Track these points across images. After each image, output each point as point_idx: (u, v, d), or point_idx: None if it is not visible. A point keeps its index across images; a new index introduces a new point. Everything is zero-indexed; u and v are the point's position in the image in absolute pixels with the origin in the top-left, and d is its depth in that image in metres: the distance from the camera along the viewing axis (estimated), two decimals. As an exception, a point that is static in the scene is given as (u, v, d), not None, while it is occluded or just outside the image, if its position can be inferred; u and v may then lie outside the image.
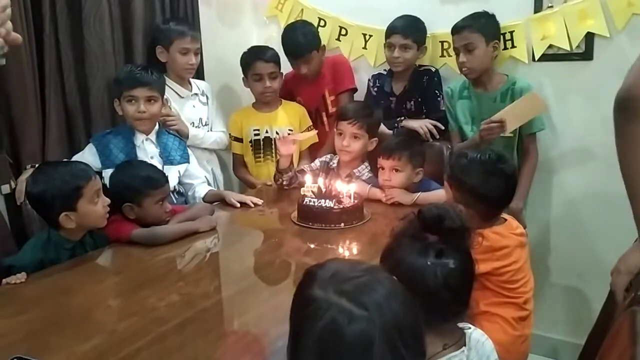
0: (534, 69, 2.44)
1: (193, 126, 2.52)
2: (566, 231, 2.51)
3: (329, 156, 2.55)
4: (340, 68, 2.77)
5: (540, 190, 2.48)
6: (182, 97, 2.50)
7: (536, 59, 2.42)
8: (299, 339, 0.84)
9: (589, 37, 2.29)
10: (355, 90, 2.77)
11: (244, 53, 2.70)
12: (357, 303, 0.82)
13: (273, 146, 2.70)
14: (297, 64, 2.68)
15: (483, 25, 2.30)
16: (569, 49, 2.34)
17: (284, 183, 2.41)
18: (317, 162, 2.55)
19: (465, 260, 1.13)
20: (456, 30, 2.33)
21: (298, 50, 2.64)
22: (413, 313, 0.85)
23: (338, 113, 2.49)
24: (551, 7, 2.37)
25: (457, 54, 2.35)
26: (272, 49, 2.69)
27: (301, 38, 2.64)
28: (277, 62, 2.66)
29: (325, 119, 2.82)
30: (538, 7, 2.40)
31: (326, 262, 0.93)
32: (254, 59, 2.64)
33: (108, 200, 1.79)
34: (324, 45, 2.74)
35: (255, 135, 2.71)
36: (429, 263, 1.09)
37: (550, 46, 2.38)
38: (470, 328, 1.15)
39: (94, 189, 1.73)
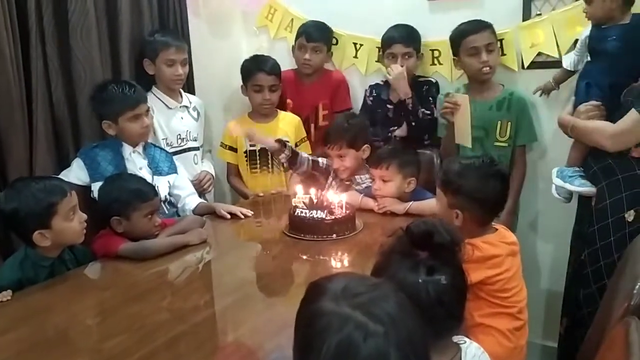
0: (524, 76, 2.45)
1: (179, 138, 2.49)
2: (556, 238, 2.51)
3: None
4: (342, 87, 2.80)
5: (529, 197, 2.50)
6: (171, 108, 2.48)
7: (525, 66, 2.43)
8: (308, 356, 0.81)
9: (578, 45, 2.29)
10: (350, 109, 2.78)
11: (246, 61, 2.69)
12: (372, 317, 0.78)
13: (270, 157, 2.68)
14: (306, 48, 2.69)
15: (494, 30, 2.34)
16: (557, 56, 2.34)
17: (283, 162, 2.47)
18: (325, 160, 2.51)
19: (457, 275, 1.11)
20: (477, 29, 2.32)
21: (318, 32, 2.69)
22: (422, 327, 0.83)
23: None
24: (539, 14, 2.38)
25: (474, 55, 2.32)
26: (274, 59, 2.68)
27: (324, 26, 2.73)
28: (278, 74, 2.66)
29: (313, 130, 2.82)
30: (527, 15, 2.41)
31: (333, 275, 0.90)
32: (255, 69, 2.63)
33: (84, 216, 1.74)
34: (331, 52, 2.79)
35: (251, 145, 2.69)
36: (420, 281, 1.07)
37: (540, 54, 2.39)
38: (465, 342, 1.14)
39: (69, 205, 1.68)
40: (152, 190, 1.98)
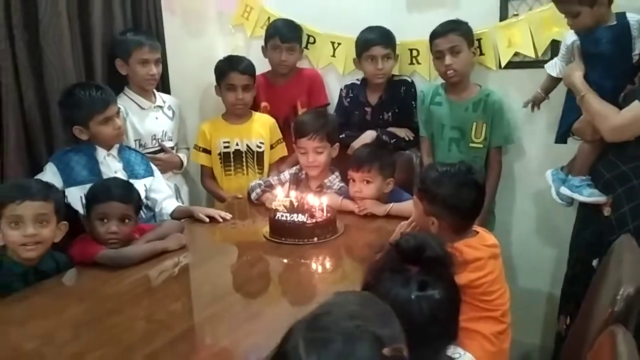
0: (501, 76, 2.46)
1: (154, 139, 2.46)
2: (534, 238, 2.54)
3: (297, 167, 2.51)
4: (316, 83, 2.78)
5: (507, 197, 2.51)
6: (144, 109, 2.43)
7: (502, 66, 2.43)
8: None
9: (555, 45, 2.28)
10: (328, 105, 2.75)
11: (220, 61, 2.66)
12: None
13: (244, 159, 2.66)
14: (281, 49, 2.65)
15: (465, 30, 2.33)
16: (534, 56, 2.35)
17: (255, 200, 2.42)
18: (286, 174, 2.51)
19: (451, 288, 1.10)
20: (441, 33, 2.32)
21: (291, 32, 2.65)
22: None
23: (294, 129, 2.43)
24: (516, 14, 2.38)
25: (440, 58, 2.33)
26: (248, 60, 2.65)
27: (294, 24, 2.69)
28: (252, 74, 2.62)
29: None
30: (504, 15, 2.41)
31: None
32: (229, 68, 2.60)
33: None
34: (303, 49, 2.75)
35: (225, 147, 2.65)
36: (412, 297, 1.05)
37: (517, 54, 2.39)
38: (460, 355, 1.12)
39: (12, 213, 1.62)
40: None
